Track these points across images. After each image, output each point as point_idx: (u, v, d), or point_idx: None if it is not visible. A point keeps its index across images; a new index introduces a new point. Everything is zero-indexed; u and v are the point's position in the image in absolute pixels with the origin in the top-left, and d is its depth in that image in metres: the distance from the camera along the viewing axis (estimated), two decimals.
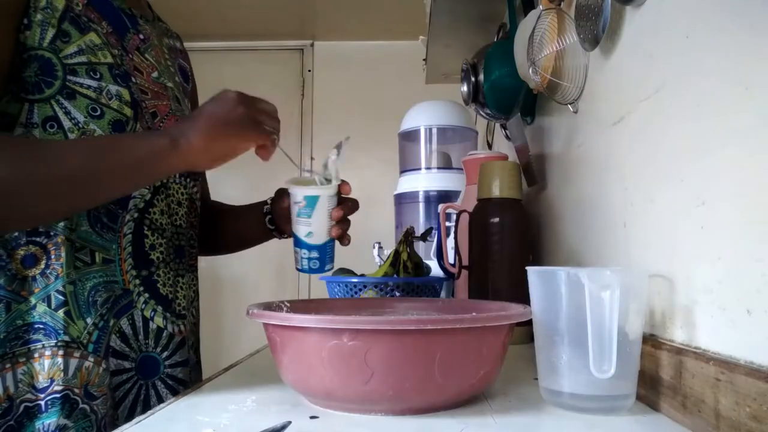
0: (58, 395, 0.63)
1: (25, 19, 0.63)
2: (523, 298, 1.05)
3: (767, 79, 0.44)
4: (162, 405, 0.60)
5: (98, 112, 0.67)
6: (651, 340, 0.59)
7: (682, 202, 0.56)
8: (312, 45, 3.22)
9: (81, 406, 0.65)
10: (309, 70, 3.21)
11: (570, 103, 0.86)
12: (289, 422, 0.50)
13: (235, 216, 0.93)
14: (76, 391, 0.64)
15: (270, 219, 0.87)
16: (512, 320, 0.58)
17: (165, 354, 0.74)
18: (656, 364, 0.57)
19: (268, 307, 0.65)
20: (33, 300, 0.64)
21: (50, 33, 0.64)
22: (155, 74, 0.77)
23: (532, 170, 1.14)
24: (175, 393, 0.74)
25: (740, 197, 0.47)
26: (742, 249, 0.47)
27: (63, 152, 0.60)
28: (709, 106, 0.52)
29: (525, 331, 1.03)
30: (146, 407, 0.70)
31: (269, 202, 0.87)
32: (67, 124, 0.65)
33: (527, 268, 0.62)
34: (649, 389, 0.58)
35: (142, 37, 0.77)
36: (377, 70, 3.11)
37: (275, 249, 3.16)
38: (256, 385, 0.67)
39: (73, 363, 0.65)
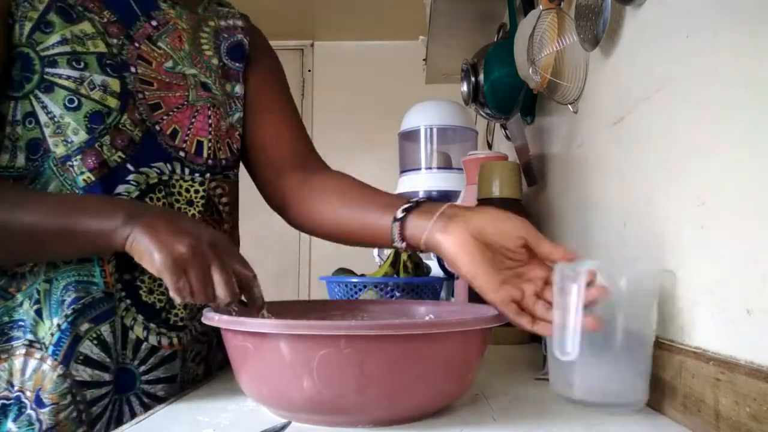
0: (13, 396, 0.61)
1: (9, 18, 0.63)
2: None
3: (767, 79, 0.44)
4: (162, 405, 0.60)
5: (75, 104, 0.64)
6: None
7: (682, 202, 0.56)
8: (312, 45, 3.22)
9: (27, 411, 0.61)
10: (309, 70, 3.21)
11: (570, 103, 0.86)
12: (289, 422, 0.50)
13: (362, 203, 0.73)
14: (28, 394, 0.61)
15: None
16: (446, 329, 0.51)
17: (143, 368, 0.67)
18: (656, 364, 0.57)
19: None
20: (20, 297, 0.63)
21: (27, 26, 0.63)
22: (169, 63, 0.73)
23: (532, 170, 1.14)
24: None
25: (740, 197, 0.47)
26: (742, 249, 0.47)
27: (20, 204, 0.59)
28: (709, 106, 0.52)
29: (525, 330, 1.03)
30: (119, 425, 0.61)
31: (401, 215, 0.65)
32: (43, 118, 0.64)
33: None
34: (650, 389, 0.58)
35: (155, 24, 0.73)
36: (377, 70, 3.11)
37: (275, 249, 3.16)
38: None
39: (32, 364, 0.62)
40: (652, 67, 0.63)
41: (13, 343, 0.62)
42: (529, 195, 1.19)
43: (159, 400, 0.68)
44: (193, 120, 0.74)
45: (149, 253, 0.55)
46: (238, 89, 0.81)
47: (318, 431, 0.51)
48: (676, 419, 0.53)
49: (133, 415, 0.66)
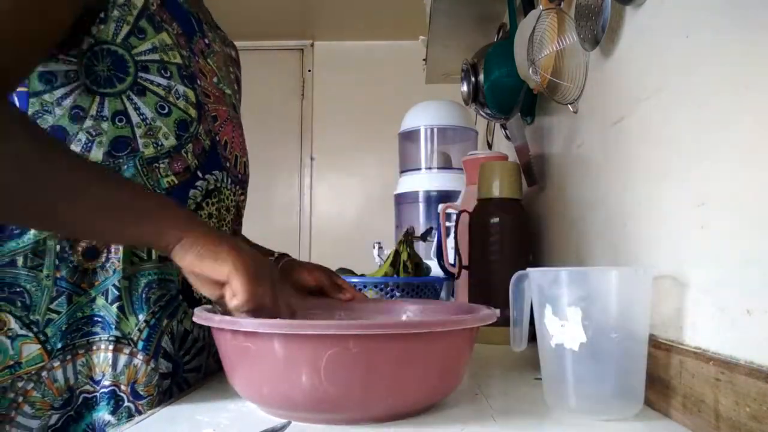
0: (106, 390, 0.64)
1: (102, 14, 0.64)
2: None
3: (767, 79, 0.44)
4: (162, 405, 0.60)
5: (166, 110, 0.68)
6: (651, 340, 0.59)
7: (682, 202, 0.56)
8: (312, 45, 3.22)
9: (126, 404, 0.65)
10: (309, 70, 3.21)
11: (570, 103, 0.86)
12: (289, 422, 0.50)
13: None
14: (123, 388, 0.64)
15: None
16: (425, 329, 0.52)
17: (186, 358, 0.72)
18: (656, 364, 0.57)
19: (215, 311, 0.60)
20: (93, 293, 0.65)
21: (125, 29, 0.66)
22: (215, 79, 0.78)
23: (532, 170, 1.14)
24: None
25: (740, 197, 0.47)
26: (742, 249, 0.47)
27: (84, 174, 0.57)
28: (709, 106, 0.52)
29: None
30: None
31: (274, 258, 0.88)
32: (135, 119, 0.66)
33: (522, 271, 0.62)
34: (649, 389, 0.58)
35: (206, 42, 0.78)
36: (377, 70, 3.12)
37: (275, 249, 3.16)
38: None
39: (122, 359, 0.64)
40: (652, 66, 0.63)
41: (89, 338, 0.64)
42: (529, 195, 1.19)
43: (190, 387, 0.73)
44: (234, 134, 0.80)
45: (238, 291, 0.56)
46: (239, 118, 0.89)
47: (318, 430, 0.51)
48: (676, 419, 0.53)
49: None
